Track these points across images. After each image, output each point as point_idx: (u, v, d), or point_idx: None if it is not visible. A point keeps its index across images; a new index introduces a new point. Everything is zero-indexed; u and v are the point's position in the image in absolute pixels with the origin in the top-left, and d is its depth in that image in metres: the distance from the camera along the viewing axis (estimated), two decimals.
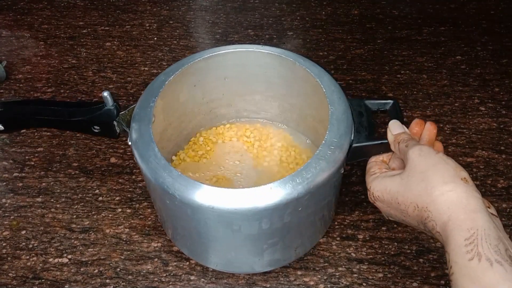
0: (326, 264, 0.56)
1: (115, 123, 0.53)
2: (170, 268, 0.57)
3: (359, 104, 0.53)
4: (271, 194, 0.44)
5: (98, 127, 0.54)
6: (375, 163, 0.50)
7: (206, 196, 0.44)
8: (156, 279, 0.56)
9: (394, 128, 0.49)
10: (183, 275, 0.56)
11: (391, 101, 0.53)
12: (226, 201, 0.44)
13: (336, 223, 0.60)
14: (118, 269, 0.57)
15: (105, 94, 0.51)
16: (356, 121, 0.51)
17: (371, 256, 0.57)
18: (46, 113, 0.55)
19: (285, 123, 0.64)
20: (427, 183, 0.41)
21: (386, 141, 0.49)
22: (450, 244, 0.38)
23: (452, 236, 0.38)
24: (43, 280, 0.57)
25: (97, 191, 0.65)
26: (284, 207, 0.45)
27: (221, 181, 0.59)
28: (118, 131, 0.54)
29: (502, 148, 0.67)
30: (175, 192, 0.45)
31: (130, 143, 0.50)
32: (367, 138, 0.50)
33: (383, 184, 0.46)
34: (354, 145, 0.49)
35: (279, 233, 0.49)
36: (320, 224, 0.54)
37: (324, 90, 0.51)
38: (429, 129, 0.49)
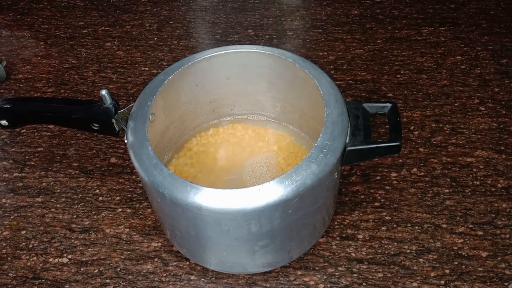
0: (326, 264, 0.56)
1: (113, 121, 0.53)
2: (170, 268, 0.57)
3: (356, 107, 0.52)
4: (260, 196, 0.44)
5: (97, 125, 0.54)
6: None
7: (194, 195, 0.44)
8: (156, 279, 0.56)
9: None
10: (183, 275, 0.56)
11: (389, 105, 0.53)
12: (214, 201, 0.44)
13: (336, 223, 0.60)
14: (118, 269, 0.57)
15: (103, 92, 0.51)
16: (353, 124, 0.51)
17: (371, 256, 0.57)
18: (48, 110, 0.56)
19: (289, 124, 0.64)
20: None
21: (382, 145, 0.49)
22: None
23: None
24: (43, 280, 0.57)
25: (97, 191, 0.65)
26: (272, 209, 0.45)
27: (219, 181, 0.59)
28: (117, 129, 0.54)
29: (502, 148, 0.67)
30: (164, 190, 0.45)
31: (126, 141, 0.50)
32: (363, 142, 0.49)
33: None
34: (349, 148, 0.49)
35: (269, 235, 0.49)
36: (315, 227, 0.54)
37: (321, 92, 0.51)
38: None
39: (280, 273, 0.56)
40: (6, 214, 0.63)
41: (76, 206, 0.64)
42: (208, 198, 0.44)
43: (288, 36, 0.88)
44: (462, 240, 0.58)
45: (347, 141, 0.49)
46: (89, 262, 0.58)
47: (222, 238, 0.49)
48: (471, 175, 0.64)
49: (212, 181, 0.59)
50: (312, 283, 0.55)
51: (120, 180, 0.66)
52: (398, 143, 0.50)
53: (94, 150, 0.70)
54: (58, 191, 0.66)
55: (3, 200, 0.65)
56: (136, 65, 0.83)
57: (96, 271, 0.57)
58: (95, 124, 0.54)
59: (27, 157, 0.70)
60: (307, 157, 0.46)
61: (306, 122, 0.61)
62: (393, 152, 0.52)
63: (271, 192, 0.44)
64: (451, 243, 0.57)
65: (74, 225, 0.62)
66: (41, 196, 0.65)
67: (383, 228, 0.59)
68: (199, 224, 0.48)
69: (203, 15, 0.94)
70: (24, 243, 0.60)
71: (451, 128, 0.70)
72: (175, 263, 0.57)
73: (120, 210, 0.63)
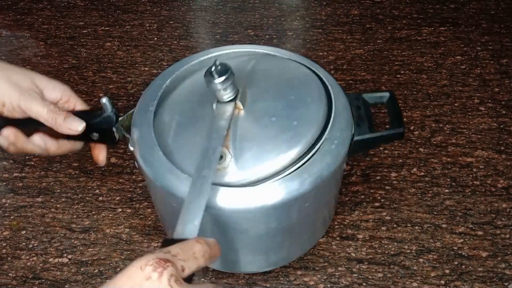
0: (326, 264, 0.56)
1: (114, 129, 0.50)
2: None
3: (356, 98, 0.53)
4: (279, 191, 0.44)
5: (97, 134, 0.51)
6: None
7: (215, 197, 0.43)
8: None
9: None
10: None
11: (387, 94, 0.54)
12: (233, 202, 0.43)
13: (336, 223, 0.60)
14: (118, 269, 0.57)
15: (104, 100, 0.49)
16: (355, 115, 0.51)
17: (371, 256, 0.57)
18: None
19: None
20: None
21: (386, 133, 0.50)
22: None
23: None
24: (43, 280, 0.57)
25: (97, 191, 0.65)
26: (293, 202, 0.45)
27: None
28: (117, 137, 0.51)
29: (502, 148, 0.67)
30: (183, 195, 0.43)
31: (132, 148, 0.48)
32: (367, 131, 0.50)
33: None
34: (356, 138, 0.49)
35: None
36: (321, 222, 0.54)
37: (323, 87, 0.51)
38: None
39: (280, 273, 0.56)
40: (6, 214, 0.63)
41: (76, 206, 0.64)
42: (224, 198, 0.43)
43: (288, 36, 0.88)
44: (462, 240, 0.58)
45: (353, 131, 0.49)
46: (89, 262, 0.58)
47: (239, 238, 0.48)
48: (471, 175, 0.64)
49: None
50: (312, 283, 0.55)
51: (120, 180, 0.66)
52: (401, 129, 0.51)
53: None
54: (58, 191, 0.66)
55: (3, 200, 0.65)
56: (136, 65, 0.83)
57: (96, 271, 0.57)
58: (94, 134, 0.51)
59: (27, 157, 0.70)
60: (320, 149, 0.46)
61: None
62: (397, 138, 0.52)
63: (290, 186, 0.44)
64: (451, 243, 0.57)
65: (74, 225, 0.62)
66: (41, 196, 0.65)
67: (383, 228, 0.59)
68: (218, 226, 0.47)
69: (203, 15, 0.94)
70: (24, 243, 0.60)
71: (451, 128, 0.70)
72: None
73: (120, 210, 0.63)
